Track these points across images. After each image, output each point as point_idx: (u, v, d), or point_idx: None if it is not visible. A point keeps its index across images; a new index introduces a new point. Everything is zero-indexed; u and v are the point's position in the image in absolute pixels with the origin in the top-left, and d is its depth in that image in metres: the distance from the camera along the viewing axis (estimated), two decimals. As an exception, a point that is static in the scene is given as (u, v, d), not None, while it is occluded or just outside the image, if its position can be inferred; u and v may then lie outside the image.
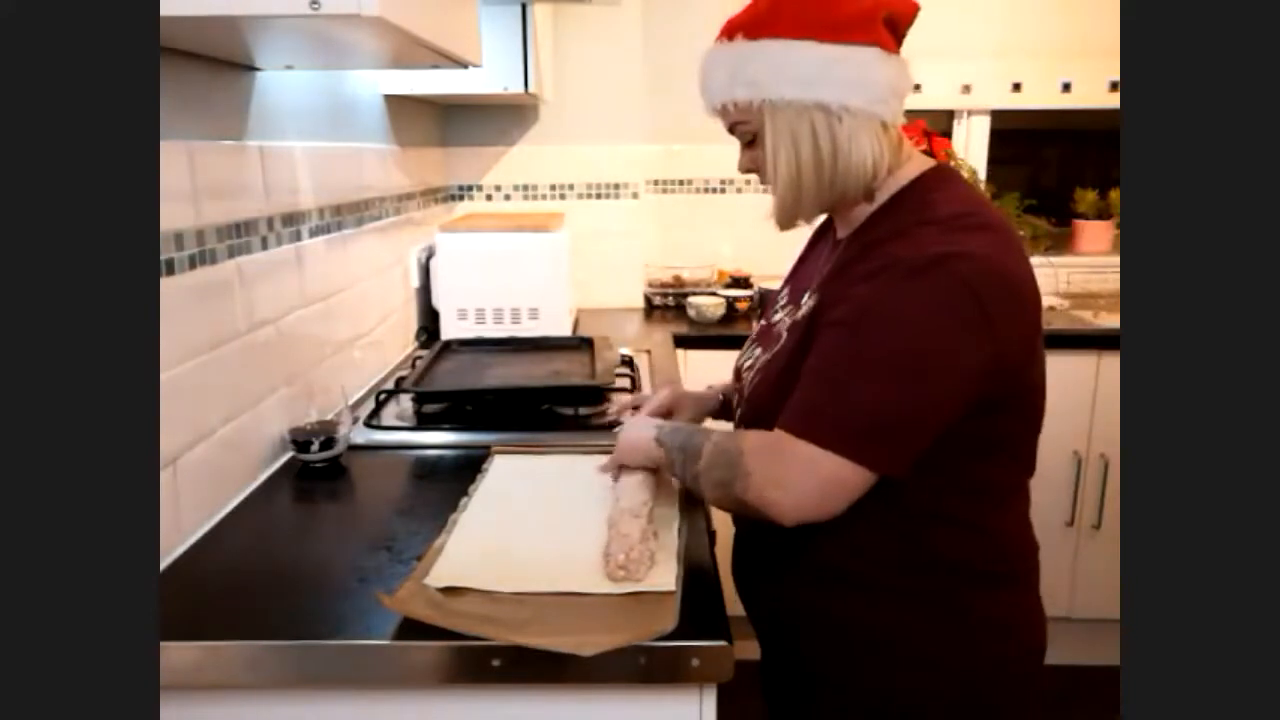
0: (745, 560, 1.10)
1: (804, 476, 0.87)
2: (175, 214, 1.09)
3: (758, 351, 1.07)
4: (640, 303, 2.72)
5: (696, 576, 0.95)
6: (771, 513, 0.89)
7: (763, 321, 1.13)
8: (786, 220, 1.00)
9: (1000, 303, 0.87)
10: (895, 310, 0.86)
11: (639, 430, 1.11)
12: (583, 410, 1.54)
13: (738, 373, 1.12)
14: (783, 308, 1.09)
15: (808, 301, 0.99)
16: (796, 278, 1.12)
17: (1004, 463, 0.96)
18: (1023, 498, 1.01)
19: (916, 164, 0.99)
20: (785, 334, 1.01)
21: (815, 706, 1.03)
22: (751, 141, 0.98)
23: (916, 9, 0.95)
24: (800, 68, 0.91)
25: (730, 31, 0.95)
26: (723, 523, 1.08)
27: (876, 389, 0.86)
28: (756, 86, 0.93)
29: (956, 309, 0.85)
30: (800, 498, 0.88)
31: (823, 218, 1.08)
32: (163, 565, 1.02)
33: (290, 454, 1.35)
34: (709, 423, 1.20)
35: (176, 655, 0.84)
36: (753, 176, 1.01)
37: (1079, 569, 2.38)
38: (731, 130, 1.00)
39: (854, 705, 0.99)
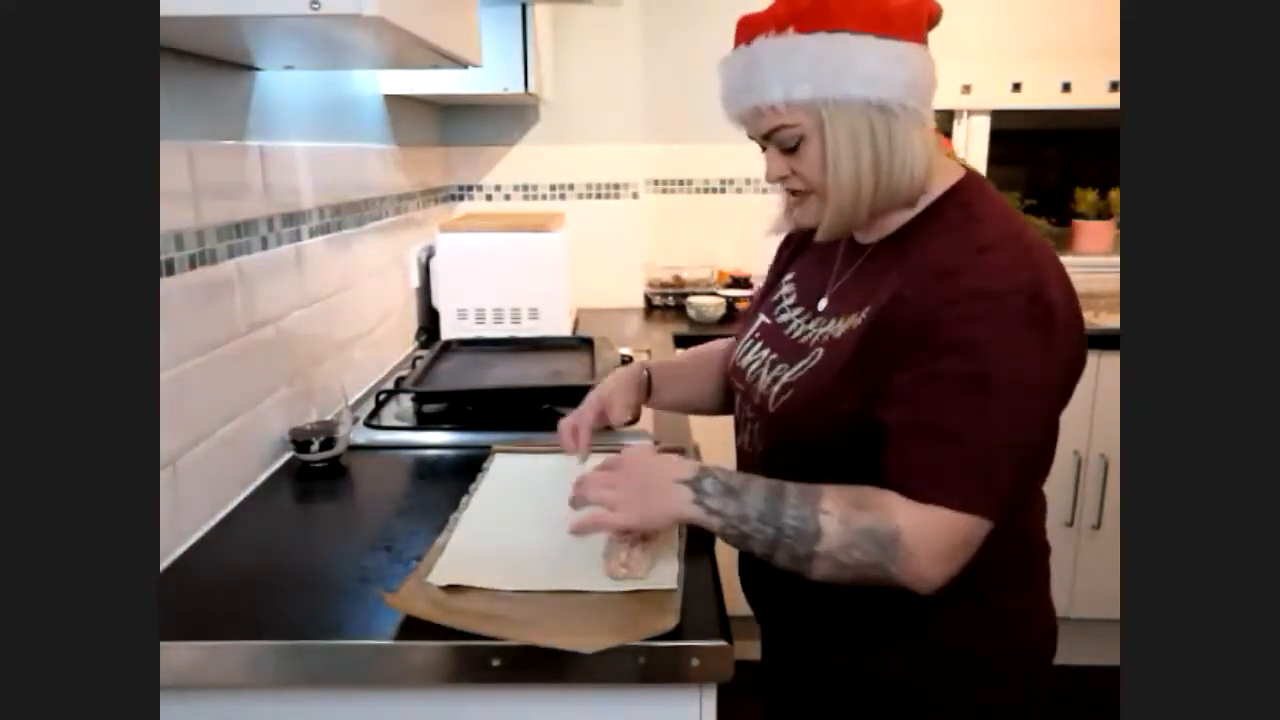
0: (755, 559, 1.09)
1: (959, 545, 0.83)
2: (175, 214, 1.09)
3: (766, 353, 1.02)
4: (640, 303, 2.71)
5: (696, 576, 0.95)
6: (921, 588, 0.83)
7: (763, 318, 1.08)
8: (840, 230, 0.93)
9: (1075, 338, 0.87)
10: (1007, 352, 0.81)
11: (662, 490, 0.90)
12: (583, 410, 1.53)
13: (737, 370, 1.07)
14: (792, 309, 1.04)
15: (850, 318, 0.92)
16: (802, 280, 1.07)
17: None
18: (1040, 500, 1.01)
19: (948, 170, 0.94)
20: (821, 350, 0.94)
21: (827, 701, 1.02)
22: (794, 146, 0.90)
23: (942, 10, 0.92)
24: (864, 65, 0.85)
25: (778, 23, 0.86)
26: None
27: (1004, 442, 0.83)
28: (818, 83, 0.85)
29: (1053, 345, 0.83)
30: (953, 567, 0.83)
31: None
32: (163, 565, 1.02)
33: (290, 454, 1.35)
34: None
35: (176, 655, 0.84)
36: (755, 177, 0.99)
37: (1079, 569, 2.38)
38: (767, 136, 0.91)
39: (868, 697, 0.99)
